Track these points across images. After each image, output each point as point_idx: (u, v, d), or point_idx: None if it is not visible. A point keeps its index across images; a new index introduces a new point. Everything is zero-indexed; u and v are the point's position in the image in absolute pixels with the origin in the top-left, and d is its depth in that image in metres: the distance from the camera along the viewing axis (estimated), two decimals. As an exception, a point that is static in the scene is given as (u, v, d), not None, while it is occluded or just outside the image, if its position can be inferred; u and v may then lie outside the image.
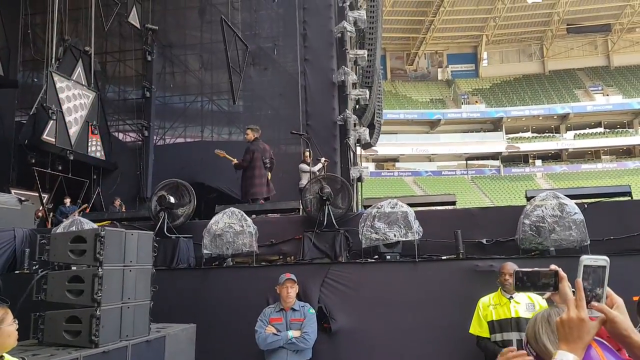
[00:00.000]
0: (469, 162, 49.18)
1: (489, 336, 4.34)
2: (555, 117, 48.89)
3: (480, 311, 4.44)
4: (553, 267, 1.85)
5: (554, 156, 48.94)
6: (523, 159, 49.17)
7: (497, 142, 48.39)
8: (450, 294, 5.05)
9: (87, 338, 3.70)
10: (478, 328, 4.42)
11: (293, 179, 10.87)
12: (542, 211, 5.13)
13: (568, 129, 49.03)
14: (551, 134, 49.32)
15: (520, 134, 49.43)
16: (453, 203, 6.81)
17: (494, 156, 48.57)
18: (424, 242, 5.47)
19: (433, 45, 53.63)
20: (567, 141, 48.18)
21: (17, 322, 2.73)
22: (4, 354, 2.66)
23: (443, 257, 5.38)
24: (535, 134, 49.37)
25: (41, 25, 13.00)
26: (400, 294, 5.20)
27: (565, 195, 5.28)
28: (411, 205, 5.75)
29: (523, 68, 53.32)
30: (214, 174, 12.33)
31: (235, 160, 8.70)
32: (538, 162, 48.28)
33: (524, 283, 1.82)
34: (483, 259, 5.13)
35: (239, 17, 13.34)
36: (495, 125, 49.82)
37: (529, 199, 5.59)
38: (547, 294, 1.87)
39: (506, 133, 49.03)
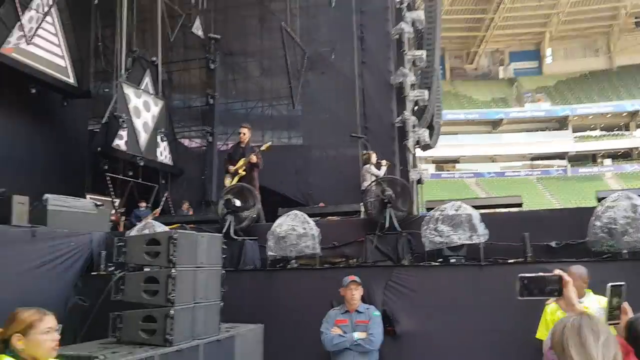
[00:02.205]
0: (533, 162, 47.65)
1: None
2: (625, 114, 46.69)
3: (547, 316, 4.32)
4: (557, 272, 1.82)
5: (624, 155, 46.70)
6: (591, 158, 47.13)
7: (563, 141, 46.62)
8: (516, 298, 4.93)
9: (162, 337, 3.88)
10: (545, 333, 4.31)
11: (351, 182, 10.94)
12: (614, 212, 4.93)
13: (638, 126, 46.62)
14: (620, 132, 47.07)
15: (588, 132, 47.42)
16: (519, 205, 6.65)
17: (560, 156, 46.84)
18: (489, 246, 5.37)
19: (494, 43, 52.37)
20: (638, 139, 45.82)
21: (59, 330, 2.56)
22: None
23: (510, 261, 5.27)
24: (603, 132, 47.24)
25: (111, 38, 13.66)
26: (466, 298, 5.13)
27: (639, 196, 5.05)
28: (475, 207, 5.66)
29: (589, 64, 51.16)
30: (275, 177, 12.53)
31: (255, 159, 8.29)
32: (607, 162, 46.21)
33: (530, 289, 1.79)
34: (552, 263, 4.98)
35: (297, 23, 13.53)
36: (561, 123, 48.07)
37: (599, 200, 5.39)
38: (552, 300, 1.84)
39: (573, 131, 47.18)
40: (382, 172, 9.91)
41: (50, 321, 2.50)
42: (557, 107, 47.54)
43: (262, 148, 8.44)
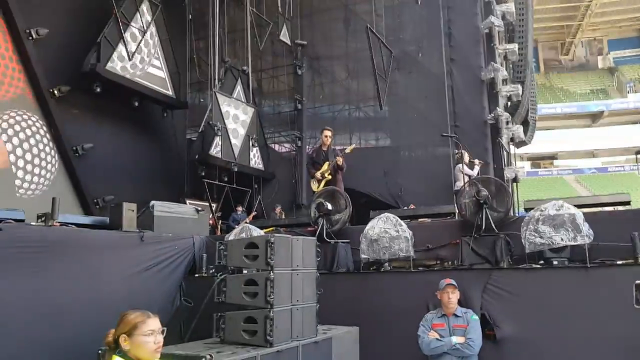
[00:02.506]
0: (639, 156, 44.27)
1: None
2: None
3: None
4: None
5: None
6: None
7: (670, 133, 42.99)
8: (627, 301, 4.61)
9: (263, 337, 4.00)
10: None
11: (441, 182, 10.71)
12: None
13: None
14: None
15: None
16: (627, 203, 6.22)
17: (669, 148, 43.18)
18: (595, 246, 5.06)
19: (591, 32, 49.33)
20: None
21: (163, 332, 2.61)
22: None
23: (618, 262, 4.94)
24: None
25: (204, 50, 14.33)
26: (570, 302, 4.87)
27: None
28: (578, 206, 5.37)
29: (699, 47, 46.81)
30: (363, 179, 12.56)
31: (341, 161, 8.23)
32: None
33: None
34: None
35: (382, 23, 13.45)
36: (669, 114, 44.38)
37: None
38: None
39: (682, 122, 43.41)
40: (475, 172, 9.62)
41: (153, 323, 2.57)
42: (663, 96, 43.97)
43: (347, 151, 8.44)
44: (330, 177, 8.20)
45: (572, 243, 4.99)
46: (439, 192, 10.62)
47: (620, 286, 4.74)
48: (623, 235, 5.02)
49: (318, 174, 8.21)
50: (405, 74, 13.82)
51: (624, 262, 4.94)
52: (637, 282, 1.71)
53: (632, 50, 49.61)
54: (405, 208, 10.79)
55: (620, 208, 6.68)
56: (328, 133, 8.60)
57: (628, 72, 47.83)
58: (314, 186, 8.26)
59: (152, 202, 6.55)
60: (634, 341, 4.39)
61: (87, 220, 6.43)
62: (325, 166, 8.26)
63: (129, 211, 5.99)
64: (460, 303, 4.77)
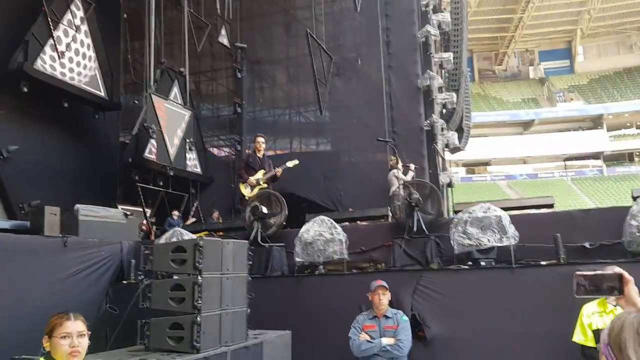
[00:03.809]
0: (567, 163, 46.59)
1: (594, 345, 4.06)
2: (662, 111, 45.26)
3: (583, 319, 4.17)
4: (617, 270, 1.74)
5: (663, 153, 45.26)
6: (628, 157, 45.79)
7: (597, 141, 45.44)
8: (551, 301, 4.80)
9: (189, 344, 3.88)
10: (582, 337, 4.15)
11: (380, 187, 10.84)
12: (651, 211, 4.76)
13: (677, 123, 45.22)
14: (658, 129, 45.67)
15: (624, 131, 46.12)
16: (551, 206, 6.50)
17: (595, 155, 45.65)
18: (520, 247, 5.25)
19: (523, 43, 51.52)
20: (678, 136, 44.41)
21: (85, 336, 2.55)
22: None
23: (542, 263, 5.14)
24: (640, 130, 45.93)
25: (139, 50, 13.92)
26: (497, 302, 5.02)
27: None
28: (505, 209, 5.55)
29: (623, 61, 49.81)
30: (303, 184, 12.56)
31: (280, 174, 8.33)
32: (645, 160, 44.86)
33: (587, 287, 1.72)
34: (586, 264, 4.83)
35: (322, 29, 13.53)
36: (595, 122, 46.91)
37: (635, 198, 5.22)
38: (612, 298, 1.76)
39: (608, 130, 45.95)
40: (409, 177, 9.79)
41: (70, 326, 2.51)
42: (590, 105, 46.42)
43: (290, 165, 8.38)
44: (265, 184, 8.19)
45: (499, 244, 5.15)
46: (378, 197, 10.73)
47: (544, 286, 4.92)
48: (547, 236, 5.23)
49: (253, 180, 8.18)
50: (345, 80, 13.96)
51: (547, 262, 5.15)
52: (576, 272, 1.75)
53: (561, 61, 52.13)
54: (342, 212, 10.85)
55: (545, 211, 6.96)
56: (261, 139, 8.60)
57: (557, 82, 50.24)
58: (246, 191, 8.21)
59: (77, 206, 6.26)
60: (557, 339, 4.54)
61: (6, 224, 6.10)
62: (261, 174, 8.23)
63: (51, 215, 5.70)
64: (391, 304, 4.81)
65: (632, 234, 4.83)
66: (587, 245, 5.19)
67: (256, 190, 8.09)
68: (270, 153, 15.29)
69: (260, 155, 8.50)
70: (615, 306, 4.00)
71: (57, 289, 5.43)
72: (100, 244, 6.14)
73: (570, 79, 50.59)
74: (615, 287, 1.73)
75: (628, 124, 46.44)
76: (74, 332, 2.50)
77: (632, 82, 47.71)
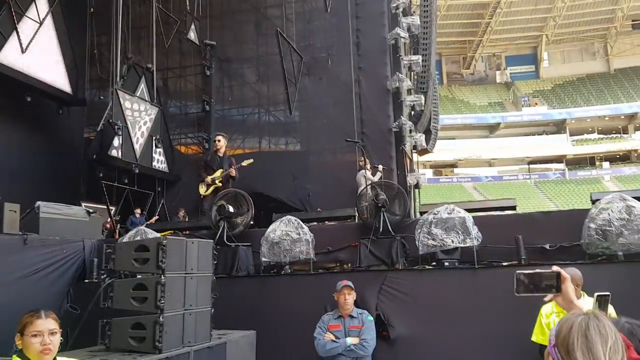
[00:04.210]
0: (531, 166, 47.65)
1: (552, 345, 4.17)
2: (623, 117, 46.72)
3: (542, 319, 4.28)
4: (555, 268, 1.81)
5: (623, 157, 46.69)
6: (589, 161, 47.13)
7: (560, 145, 46.64)
8: (511, 301, 4.86)
9: (152, 344, 3.84)
10: (540, 336, 4.26)
11: (349, 187, 10.89)
12: (609, 214, 4.91)
13: (637, 129, 46.69)
14: (619, 135, 47.07)
15: (586, 136, 47.45)
16: (513, 208, 6.62)
17: (558, 159, 46.82)
18: (483, 248, 5.35)
19: (490, 48, 52.48)
20: (636, 141, 45.85)
21: (55, 334, 2.57)
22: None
23: (503, 264, 5.25)
24: (601, 135, 47.26)
25: (106, 45, 13.61)
26: (460, 302, 5.10)
27: (633, 197, 5.03)
28: (469, 210, 5.65)
29: (586, 67, 51.23)
30: (272, 184, 12.53)
31: (234, 173, 8.35)
32: (605, 165, 46.17)
33: (526, 285, 1.79)
34: (546, 265, 4.93)
35: (293, 29, 13.51)
36: (558, 127, 48.11)
37: (594, 201, 5.37)
38: (550, 296, 1.83)
39: (570, 135, 47.20)
40: (377, 177, 9.86)
41: (41, 324, 2.55)
42: (554, 110, 47.57)
43: (244, 164, 8.41)
44: (220, 184, 8.18)
45: (462, 245, 5.23)
46: (346, 197, 10.76)
47: (506, 286, 4.99)
48: (509, 238, 5.35)
49: (209, 179, 8.21)
50: (315, 80, 13.95)
51: (508, 263, 5.26)
52: (517, 271, 1.81)
53: (527, 66, 53.26)
54: (310, 212, 10.86)
55: (508, 213, 7.09)
56: (219, 138, 8.63)
57: (523, 87, 51.31)
58: (202, 190, 8.20)
59: (38, 203, 6.11)
60: (517, 339, 4.64)
61: (-38, 222, 5.88)
62: (219, 173, 8.22)
63: (11, 212, 5.54)
64: (356, 304, 4.85)
65: (591, 236, 4.97)
66: (547, 246, 5.32)
67: (211, 189, 8.14)
68: (239, 152, 15.23)
69: (220, 154, 8.49)
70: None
71: (16, 287, 5.29)
72: (62, 242, 6.00)
73: (535, 84, 51.76)
74: (553, 285, 1.80)
75: (590, 129, 47.75)
76: (45, 330, 2.55)
77: (595, 88, 49.09)
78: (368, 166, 9.77)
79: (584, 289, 4.08)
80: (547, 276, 1.82)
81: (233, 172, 8.25)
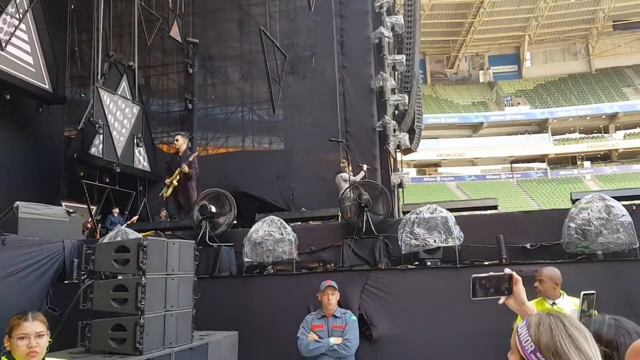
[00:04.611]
0: (514, 165, 48.11)
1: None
2: (604, 116, 47.35)
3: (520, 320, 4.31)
4: (507, 270, 1.85)
5: (604, 157, 47.36)
6: (571, 160, 47.72)
7: (542, 144, 47.16)
8: (493, 300, 4.92)
9: (132, 345, 3.80)
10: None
11: (333, 187, 10.89)
12: (588, 214, 4.96)
13: (617, 128, 47.36)
14: (600, 135, 47.73)
15: (567, 135, 48.03)
16: (495, 207, 6.67)
17: (540, 159, 47.33)
18: (465, 248, 5.38)
19: (474, 48, 52.84)
20: (617, 141, 46.52)
21: (42, 336, 2.59)
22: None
23: (485, 263, 5.28)
24: (583, 135, 47.87)
25: (87, 42, 13.45)
26: (442, 301, 5.12)
27: (613, 197, 5.09)
28: (451, 210, 5.67)
29: (568, 67, 51.83)
30: (255, 183, 12.48)
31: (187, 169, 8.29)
32: (587, 164, 46.77)
33: (481, 289, 1.81)
34: (527, 264, 4.99)
35: (277, 27, 13.46)
36: (540, 127, 48.61)
37: (574, 201, 5.43)
38: (503, 299, 1.85)
39: (552, 134, 47.75)
40: (359, 177, 9.86)
41: (28, 327, 2.56)
42: (536, 110, 48.05)
43: (190, 159, 8.38)
44: (177, 184, 8.14)
45: (444, 244, 5.26)
46: (331, 197, 10.75)
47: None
48: (490, 237, 5.38)
49: (167, 181, 8.16)
50: (299, 79, 13.91)
51: (490, 262, 5.29)
52: (474, 275, 1.83)
53: (510, 66, 53.73)
54: (293, 211, 10.83)
55: (489, 212, 7.15)
56: (178, 138, 8.61)
57: (506, 86, 51.75)
58: (164, 192, 8.19)
59: (17, 203, 6.01)
60: (500, 338, 4.66)
61: (-62, 222, 5.78)
62: (176, 172, 8.19)
63: (-12, 212, 5.45)
64: (340, 304, 4.84)
65: (570, 235, 5.02)
66: (528, 246, 5.37)
67: (170, 189, 8.14)
68: (222, 151, 15.16)
69: (181, 154, 8.46)
70: (552, 304, 4.15)
71: (-7, 289, 5.19)
72: (41, 242, 5.90)
73: (517, 83, 52.25)
74: (506, 287, 1.83)
75: (571, 129, 48.34)
76: (32, 333, 2.57)
77: (576, 88, 49.69)
78: (350, 168, 9.76)
79: (563, 288, 4.12)
80: (500, 279, 1.86)
81: (185, 169, 8.19)
